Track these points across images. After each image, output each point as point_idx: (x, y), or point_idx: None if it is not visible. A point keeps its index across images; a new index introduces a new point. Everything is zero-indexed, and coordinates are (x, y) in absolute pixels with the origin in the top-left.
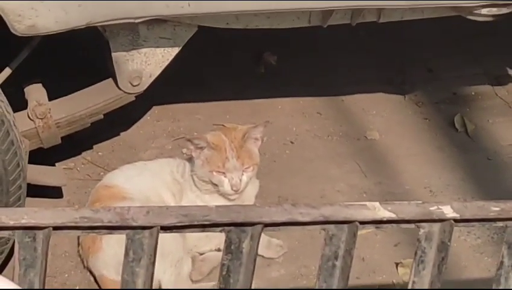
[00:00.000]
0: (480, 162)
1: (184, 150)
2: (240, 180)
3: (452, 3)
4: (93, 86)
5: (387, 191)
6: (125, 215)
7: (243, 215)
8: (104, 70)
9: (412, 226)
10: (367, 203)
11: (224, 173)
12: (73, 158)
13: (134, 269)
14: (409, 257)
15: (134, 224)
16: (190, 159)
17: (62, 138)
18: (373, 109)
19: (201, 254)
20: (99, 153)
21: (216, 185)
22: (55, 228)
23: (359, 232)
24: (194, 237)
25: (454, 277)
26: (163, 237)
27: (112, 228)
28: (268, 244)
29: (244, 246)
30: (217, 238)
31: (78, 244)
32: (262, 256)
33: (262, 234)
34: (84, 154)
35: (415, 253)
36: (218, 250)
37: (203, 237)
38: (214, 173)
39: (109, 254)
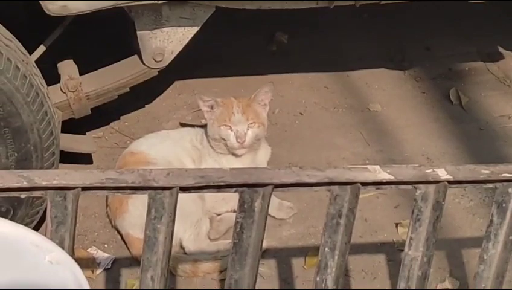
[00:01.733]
0: (473, 132)
1: (202, 121)
2: (245, 133)
3: None
4: (120, 62)
5: (388, 158)
6: (147, 177)
7: (254, 177)
8: (130, 47)
9: (409, 187)
10: (368, 166)
11: (230, 126)
12: (102, 128)
13: (156, 225)
14: (407, 218)
15: (156, 185)
16: (206, 127)
17: (92, 109)
18: (375, 84)
19: (218, 215)
20: (126, 123)
21: (224, 139)
22: (84, 188)
23: (362, 195)
24: (212, 199)
25: (449, 236)
26: (184, 199)
27: (135, 189)
28: (280, 206)
29: (256, 205)
30: (232, 201)
31: (107, 205)
32: (274, 217)
33: (274, 197)
34: (112, 124)
35: (412, 212)
36: (234, 211)
37: (220, 199)
38: (222, 128)
39: (134, 214)
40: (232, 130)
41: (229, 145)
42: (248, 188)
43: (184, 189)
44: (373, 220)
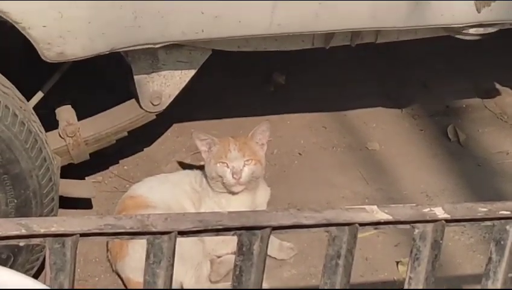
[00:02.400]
0: (471, 168)
1: (201, 163)
2: (241, 170)
3: (442, 22)
4: (117, 106)
5: (388, 196)
6: (146, 222)
7: (252, 220)
8: (127, 92)
9: (408, 226)
10: (366, 206)
11: (226, 163)
12: (101, 172)
13: (155, 270)
14: (408, 256)
15: (154, 229)
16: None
17: (90, 154)
18: (373, 122)
19: (218, 257)
20: (125, 167)
21: (220, 176)
22: (82, 235)
23: (362, 235)
24: (212, 242)
25: (449, 274)
26: (185, 242)
27: (133, 234)
28: (280, 247)
29: (255, 248)
30: (232, 242)
31: (107, 250)
32: (275, 258)
33: (274, 237)
34: (111, 168)
35: (411, 251)
36: (234, 253)
37: (220, 241)
38: (218, 165)
39: (135, 258)
40: (228, 167)
41: (225, 182)
42: (246, 231)
43: (182, 233)
44: (373, 259)
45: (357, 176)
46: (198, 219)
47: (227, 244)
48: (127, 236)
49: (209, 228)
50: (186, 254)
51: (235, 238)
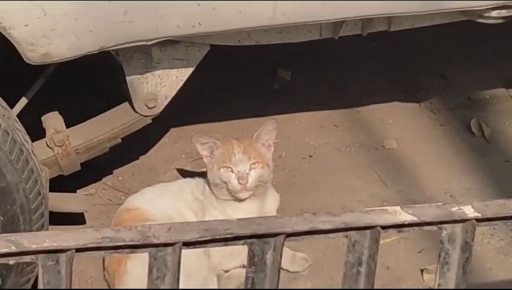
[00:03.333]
0: (498, 165)
1: (203, 170)
2: (247, 174)
3: (462, 5)
4: (109, 111)
5: (408, 198)
6: (147, 233)
7: (264, 227)
8: (119, 94)
9: (434, 228)
10: (387, 207)
11: (231, 168)
12: (94, 184)
13: (159, 286)
14: (433, 263)
15: (156, 241)
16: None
17: (82, 164)
18: (389, 118)
19: (226, 272)
20: (120, 178)
21: (225, 182)
22: (78, 250)
23: (383, 241)
24: (218, 255)
25: (479, 280)
26: (188, 256)
27: (134, 247)
28: (293, 258)
29: (268, 258)
30: (241, 255)
31: (104, 268)
32: (287, 270)
33: (286, 248)
34: (104, 179)
35: (439, 255)
36: (244, 266)
37: (228, 254)
38: (222, 170)
39: (134, 276)
40: (233, 172)
41: (230, 188)
42: (258, 239)
43: (188, 244)
44: (396, 267)
45: (373, 177)
46: (205, 228)
47: (235, 257)
48: (127, 250)
49: (217, 237)
50: (190, 270)
51: (244, 250)
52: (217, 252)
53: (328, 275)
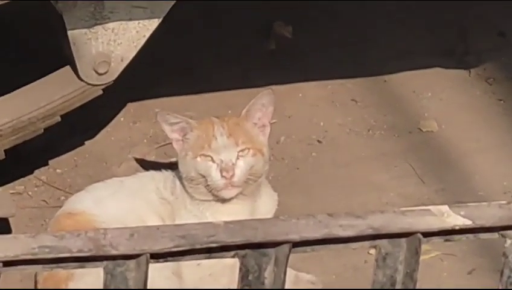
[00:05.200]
0: None
1: (172, 159)
2: (233, 164)
3: None
4: (44, 78)
5: (454, 200)
6: (101, 241)
7: (262, 233)
8: (58, 56)
9: (495, 235)
10: (431, 207)
11: (211, 156)
12: (22, 179)
13: None
14: (488, 287)
15: (115, 252)
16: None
17: (6, 151)
18: (427, 91)
19: None
20: (58, 170)
21: (203, 176)
22: (6, 264)
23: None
24: (192, 276)
25: None
26: (152, 279)
27: (83, 260)
28: (296, 281)
29: (267, 276)
30: (224, 276)
31: None
32: None
33: (288, 267)
34: (37, 172)
35: (501, 273)
36: None
37: (206, 275)
38: (199, 159)
39: None
40: (214, 161)
41: (210, 184)
42: (253, 251)
43: (157, 256)
44: None
45: (406, 171)
46: (180, 234)
47: (216, 279)
48: (73, 263)
49: (197, 247)
50: None
51: (229, 269)
52: (192, 273)
53: None
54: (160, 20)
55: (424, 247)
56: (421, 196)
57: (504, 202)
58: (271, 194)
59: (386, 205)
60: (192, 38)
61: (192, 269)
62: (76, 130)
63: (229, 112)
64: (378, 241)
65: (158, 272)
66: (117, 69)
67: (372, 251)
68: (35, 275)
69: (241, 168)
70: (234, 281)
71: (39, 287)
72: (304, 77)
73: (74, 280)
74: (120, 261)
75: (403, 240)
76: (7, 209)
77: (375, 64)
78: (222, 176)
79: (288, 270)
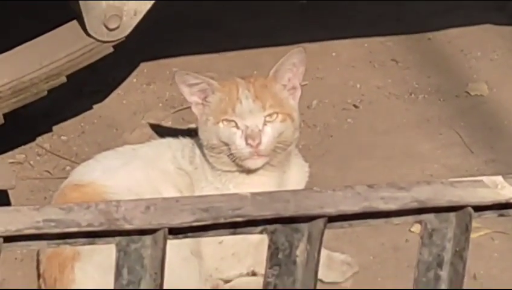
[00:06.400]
0: None
1: (191, 125)
2: (260, 130)
3: None
4: (48, 34)
5: (506, 172)
6: (113, 215)
7: (293, 206)
8: (64, 10)
9: None
10: (483, 178)
11: (235, 121)
12: (23, 147)
13: None
14: None
15: (129, 227)
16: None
17: (5, 115)
18: (476, 49)
19: (227, 282)
20: (63, 138)
21: (226, 144)
22: (7, 239)
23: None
24: (214, 256)
25: None
26: (169, 259)
27: (93, 235)
28: (329, 262)
29: (299, 253)
30: (249, 256)
31: (38, 276)
32: (321, 280)
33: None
34: (39, 140)
35: None
36: (254, 274)
37: (229, 254)
38: (221, 125)
39: (86, 285)
40: (238, 128)
41: (234, 152)
42: (284, 226)
43: (176, 231)
44: (487, 278)
45: (452, 139)
46: (202, 207)
47: (240, 260)
48: (82, 239)
49: (221, 221)
50: (171, 280)
51: (254, 248)
52: (213, 252)
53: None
54: None
55: (473, 224)
56: (469, 168)
57: None
58: (301, 165)
59: (430, 178)
60: None
61: (214, 247)
62: (83, 93)
63: (255, 72)
64: (423, 216)
65: (175, 252)
66: (130, 23)
67: (415, 228)
68: (38, 254)
69: (268, 135)
70: (260, 262)
71: (42, 268)
72: (338, 34)
73: (81, 260)
74: (135, 237)
75: (452, 214)
76: (6, 181)
77: (418, 20)
78: (247, 144)
79: (321, 249)
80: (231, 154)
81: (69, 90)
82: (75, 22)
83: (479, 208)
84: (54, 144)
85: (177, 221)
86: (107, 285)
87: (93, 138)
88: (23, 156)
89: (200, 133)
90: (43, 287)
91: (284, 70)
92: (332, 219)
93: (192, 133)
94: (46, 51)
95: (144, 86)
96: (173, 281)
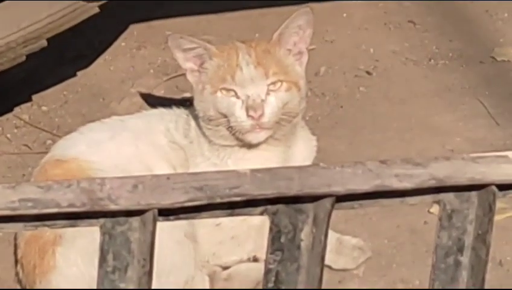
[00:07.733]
0: None
1: (185, 94)
2: (262, 100)
3: None
4: None
5: None
6: (97, 193)
7: (297, 184)
8: None
9: None
10: (509, 153)
11: (234, 90)
12: (0, 118)
13: (116, 284)
14: None
15: (114, 207)
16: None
17: None
18: (503, 11)
19: (225, 268)
20: (43, 108)
21: (225, 115)
22: None
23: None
24: (211, 240)
25: None
26: (161, 243)
27: (75, 217)
28: (339, 246)
29: (303, 237)
30: (249, 240)
31: (16, 262)
32: (330, 267)
33: (330, 229)
34: (17, 110)
35: None
36: (255, 259)
37: (228, 238)
38: (219, 94)
39: (68, 273)
40: (238, 97)
41: (234, 125)
42: (286, 206)
43: (167, 213)
44: None
45: (476, 110)
46: (196, 185)
47: (239, 244)
48: (62, 221)
49: (217, 201)
50: (165, 265)
51: (255, 231)
52: (210, 235)
53: (398, 276)
54: None
55: (498, 204)
56: (495, 141)
57: None
58: (308, 139)
59: (451, 153)
60: None
61: (211, 230)
62: (66, 58)
63: (257, 35)
64: (442, 196)
65: (166, 235)
66: None
67: (434, 209)
68: (15, 238)
69: (271, 105)
70: (262, 247)
71: (19, 253)
72: None
73: (63, 245)
74: (121, 219)
75: (474, 193)
76: None
77: None
78: (248, 116)
79: (330, 232)
80: (230, 127)
81: (50, 56)
82: None
83: (504, 187)
84: (33, 115)
85: (168, 201)
86: (93, 272)
87: (77, 109)
88: (0, 128)
89: (196, 104)
90: (20, 274)
91: (289, 34)
92: (341, 198)
93: (187, 103)
94: (25, 11)
95: (134, 51)
96: (164, 267)
